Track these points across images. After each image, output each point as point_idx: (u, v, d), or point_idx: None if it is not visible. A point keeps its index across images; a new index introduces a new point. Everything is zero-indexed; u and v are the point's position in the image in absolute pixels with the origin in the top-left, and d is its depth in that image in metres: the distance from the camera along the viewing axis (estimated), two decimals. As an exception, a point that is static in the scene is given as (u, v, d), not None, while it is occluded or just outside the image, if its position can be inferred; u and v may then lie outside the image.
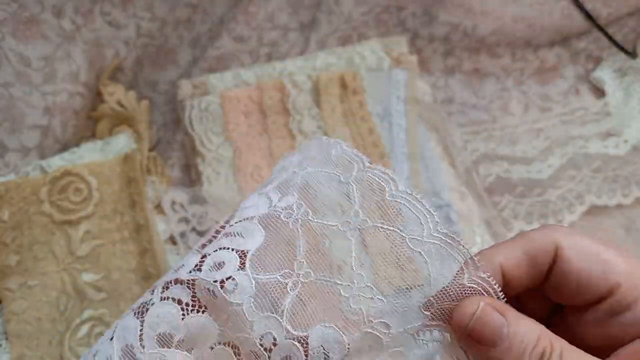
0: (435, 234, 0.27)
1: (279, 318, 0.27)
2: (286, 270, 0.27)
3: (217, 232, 0.29)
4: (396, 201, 0.28)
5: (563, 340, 0.25)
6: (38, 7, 0.52)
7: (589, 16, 0.63)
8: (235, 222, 0.29)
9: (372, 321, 0.27)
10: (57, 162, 0.52)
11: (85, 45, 0.56)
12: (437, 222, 0.27)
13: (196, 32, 0.61)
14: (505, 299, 0.27)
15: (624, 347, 0.25)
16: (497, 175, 0.59)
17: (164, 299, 0.28)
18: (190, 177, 0.58)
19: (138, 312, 0.28)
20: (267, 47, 0.62)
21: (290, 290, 0.27)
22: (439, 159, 0.57)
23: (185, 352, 0.28)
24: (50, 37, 0.53)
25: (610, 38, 0.65)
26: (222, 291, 0.27)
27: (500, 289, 0.27)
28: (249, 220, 0.29)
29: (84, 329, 0.48)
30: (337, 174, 0.29)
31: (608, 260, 0.26)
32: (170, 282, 0.28)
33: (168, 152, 0.59)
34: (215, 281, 0.27)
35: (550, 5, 0.62)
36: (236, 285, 0.27)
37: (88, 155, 0.53)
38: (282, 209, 0.29)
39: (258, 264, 0.27)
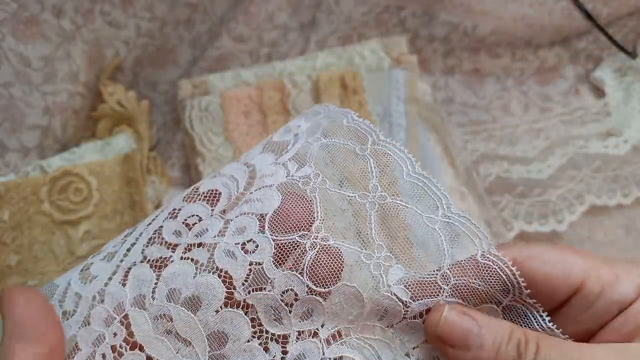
0: (449, 214, 0.29)
1: (299, 276, 0.28)
2: (304, 232, 0.28)
3: (238, 198, 0.30)
4: (412, 182, 0.29)
5: (538, 332, 0.27)
6: (38, 7, 0.52)
7: (589, 16, 0.63)
8: (255, 190, 0.30)
9: (391, 285, 0.28)
10: (57, 162, 0.52)
11: (85, 45, 0.56)
12: (451, 204, 0.29)
13: (196, 32, 0.61)
14: (523, 282, 0.27)
15: (603, 329, 0.27)
16: (497, 175, 0.59)
17: (184, 259, 0.29)
18: (190, 177, 0.58)
19: (155, 266, 0.29)
20: (267, 47, 0.62)
21: (309, 249, 0.28)
22: (439, 159, 0.57)
23: (189, 312, 0.28)
24: (50, 37, 0.53)
25: (610, 38, 0.65)
26: (242, 252, 0.28)
27: (516, 269, 0.27)
28: (267, 187, 0.30)
29: (84, 329, 0.48)
30: (352, 145, 0.30)
31: (566, 260, 0.27)
32: (194, 245, 0.29)
33: (168, 152, 0.59)
34: (237, 244, 0.28)
35: (550, 5, 0.62)
36: (256, 247, 0.28)
37: (88, 155, 0.53)
38: (300, 178, 0.30)
39: (276, 226, 0.29)
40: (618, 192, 0.59)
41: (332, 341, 0.28)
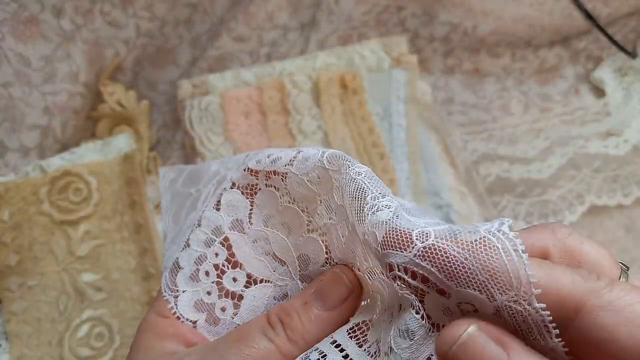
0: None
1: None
2: (351, 163, 0.29)
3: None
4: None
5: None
6: (38, 7, 0.52)
7: (589, 16, 0.63)
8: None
9: (371, 222, 0.25)
10: (56, 162, 0.52)
11: (85, 45, 0.56)
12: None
13: (196, 32, 0.61)
14: (533, 278, 0.20)
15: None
16: (497, 175, 0.59)
17: (268, 186, 0.31)
18: (190, 177, 0.57)
19: (247, 192, 0.31)
20: (267, 47, 0.62)
21: (350, 182, 0.27)
22: (439, 159, 0.57)
23: (283, 236, 0.31)
24: (50, 37, 0.53)
25: (610, 38, 0.65)
26: (308, 184, 0.29)
27: (527, 257, 0.20)
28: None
29: (84, 329, 0.48)
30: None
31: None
32: (271, 173, 0.30)
33: (168, 152, 0.59)
34: (302, 175, 0.29)
35: (550, 5, 0.62)
36: (319, 178, 0.29)
37: (88, 155, 0.53)
38: None
39: (334, 159, 0.28)
40: (618, 192, 0.59)
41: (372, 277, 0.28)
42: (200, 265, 0.31)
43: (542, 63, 0.66)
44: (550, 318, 0.20)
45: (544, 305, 0.20)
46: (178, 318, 0.30)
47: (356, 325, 0.28)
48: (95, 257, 0.49)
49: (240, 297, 0.31)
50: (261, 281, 0.32)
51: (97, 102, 0.58)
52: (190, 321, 0.31)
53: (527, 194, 0.59)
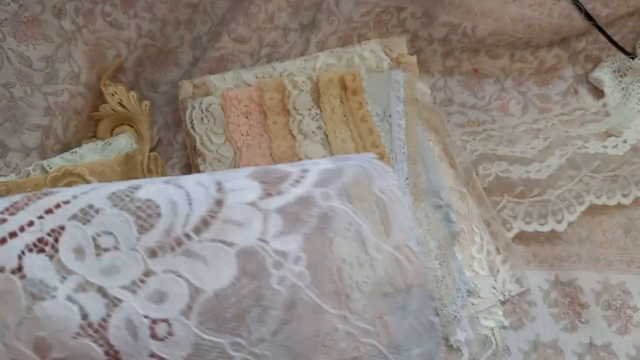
0: None
1: None
2: None
3: None
4: None
5: None
6: (39, 7, 0.52)
7: (588, 16, 0.63)
8: None
9: None
10: (58, 162, 0.52)
11: (86, 46, 0.56)
12: None
13: (197, 32, 0.62)
14: None
15: None
16: (497, 175, 0.60)
17: None
18: (191, 177, 0.58)
19: None
20: (268, 47, 0.62)
21: None
22: (438, 159, 0.57)
23: None
24: (51, 37, 0.53)
25: (610, 38, 0.65)
26: None
27: None
28: None
29: (85, 328, 0.48)
30: None
31: None
32: None
33: (169, 152, 0.59)
34: None
35: (550, 6, 0.62)
36: None
37: (89, 155, 0.53)
38: None
39: None
40: (617, 192, 0.59)
41: None
42: None
43: (541, 64, 0.66)
44: None
45: None
46: None
47: None
48: (96, 257, 0.49)
49: None
50: None
51: (98, 102, 0.58)
52: None
53: (527, 194, 0.59)
